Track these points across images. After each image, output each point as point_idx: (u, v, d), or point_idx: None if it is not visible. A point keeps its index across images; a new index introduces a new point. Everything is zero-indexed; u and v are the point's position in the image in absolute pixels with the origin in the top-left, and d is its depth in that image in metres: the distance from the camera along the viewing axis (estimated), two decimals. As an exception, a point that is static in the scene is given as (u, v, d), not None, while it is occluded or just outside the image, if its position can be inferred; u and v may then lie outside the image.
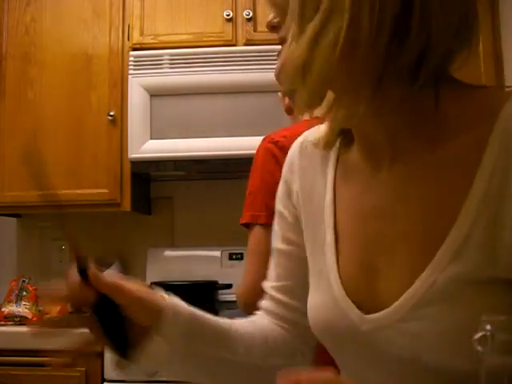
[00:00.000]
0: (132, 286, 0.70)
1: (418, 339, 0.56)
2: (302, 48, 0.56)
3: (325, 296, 0.67)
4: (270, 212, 1.24)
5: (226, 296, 2.32)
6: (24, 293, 2.02)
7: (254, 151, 2.13)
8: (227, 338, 0.78)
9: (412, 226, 0.60)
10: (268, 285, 0.82)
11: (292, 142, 1.26)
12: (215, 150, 2.11)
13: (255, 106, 2.13)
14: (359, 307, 0.62)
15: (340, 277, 0.65)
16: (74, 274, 0.68)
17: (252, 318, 0.84)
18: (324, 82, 0.57)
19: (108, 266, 2.41)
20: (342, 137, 0.69)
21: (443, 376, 0.56)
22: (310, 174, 0.73)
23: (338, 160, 0.70)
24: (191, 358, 0.76)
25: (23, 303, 1.99)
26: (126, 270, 2.47)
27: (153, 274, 2.39)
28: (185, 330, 0.73)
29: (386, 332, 0.59)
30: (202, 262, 2.41)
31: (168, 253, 2.45)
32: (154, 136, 2.14)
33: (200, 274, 2.34)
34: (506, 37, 2.12)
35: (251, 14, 2.22)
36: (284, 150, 1.27)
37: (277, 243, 0.80)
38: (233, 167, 2.18)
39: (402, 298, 0.58)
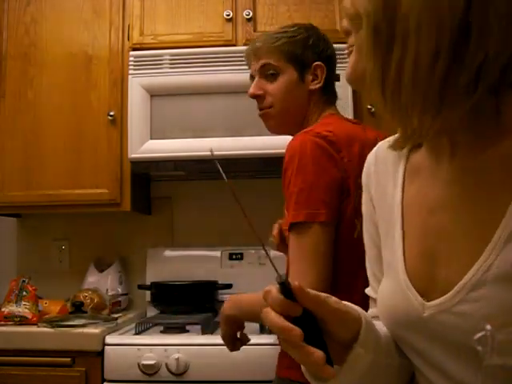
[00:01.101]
0: (331, 299, 0.64)
1: (470, 320, 0.61)
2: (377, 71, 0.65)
3: (392, 285, 0.73)
4: (329, 209, 1.22)
5: (226, 296, 2.32)
6: (24, 293, 2.02)
7: (254, 151, 2.14)
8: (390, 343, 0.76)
9: (469, 215, 0.65)
10: (368, 290, 0.86)
11: (341, 139, 1.24)
12: (215, 149, 2.10)
13: (255, 106, 2.13)
14: (422, 295, 0.67)
15: (406, 267, 0.70)
16: (274, 291, 0.61)
17: None
18: (395, 103, 0.64)
19: (108, 266, 2.41)
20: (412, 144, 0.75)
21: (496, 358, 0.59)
22: (383, 176, 0.80)
23: (407, 161, 0.77)
24: (384, 368, 0.73)
25: (23, 303, 1.99)
26: (125, 269, 2.47)
27: (153, 274, 2.39)
28: (377, 338, 0.71)
29: (444, 316, 0.64)
30: (201, 262, 2.41)
31: (168, 253, 2.45)
32: (154, 136, 2.14)
33: (200, 274, 2.34)
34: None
35: (251, 13, 2.22)
36: (334, 145, 1.24)
37: (368, 249, 0.86)
38: (233, 167, 2.18)
39: (460, 283, 0.62)
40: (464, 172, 0.66)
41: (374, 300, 0.83)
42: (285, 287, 0.60)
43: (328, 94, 1.45)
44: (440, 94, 0.60)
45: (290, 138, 1.32)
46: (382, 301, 0.76)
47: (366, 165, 0.86)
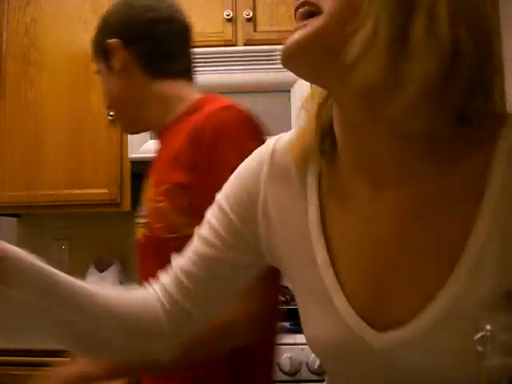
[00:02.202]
0: None
1: (444, 353, 0.56)
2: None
3: (330, 320, 0.64)
4: None
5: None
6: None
7: (254, 151, 2.14)
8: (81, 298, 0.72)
9: (426, 244, 0.59)
10: (179, 263, 0.75)
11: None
12: (215, 150, 2.11)
13: (255, 106, 2.13)
14: (371, 327, 0.61)
15: (348, 301, 0.63)
16: None
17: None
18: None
19: (108, 266, 2.41)
20: (323, 154, 0.66)
21: None
22: (283, 189, 0.69)
23: (320, 178, 0.67)
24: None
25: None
26: (125, 270, 2.47)
27: (153, 274, 2.39)
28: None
29: (406, 349, 0.58)
30: (202, 262, 2.40)
31: (168, 253, 2.45)
32: (154, 136, 2.14)
33: (200, 274, 2.34)
34: (506, 37, 2.12)
35: (251, 13, 2.22)
36: None
37: (205, 232, 0.74)
38: (233, 167, 2.18)
39: (424, 313, 0.57)
40: (416, 202, 0.60)
41: (177, 277, 0.74)
42: None
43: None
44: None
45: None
46: (323, 340, 0.66)
47: (254, 165, 0.72)
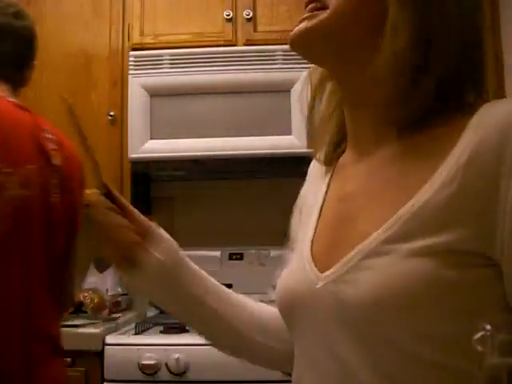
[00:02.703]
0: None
1: (361, 288, 0.59)
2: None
3: (293, 266, 0.73)
4: None
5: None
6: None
7: (254, 151, 2.14)
8: (230, 299, 0.88)
9: (380, 199, 0.65)
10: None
11: None
12: (215, 149, 2.11)
13: (255, 106, 2.13)
14: (320, 271, 0.66)
15: (312, 251, 0.70)
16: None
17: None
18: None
19: (108, 266, 2.41)
20: (340, 151, 0.77)
21: (377, 327, 0.58)
22: (315, 179, 0.82)
23: (336, 164, 0.78)
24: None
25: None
26: (126, 270, 2.47)
27: (153, 274, 2.39)
28: (173, 248, 0.85)
29: (336, 286, 0.62)
30: (201, 261, 2.38)
31: (168, 253, 2.44)
32: (153, 136, 2.14)
33: (200, 274, 2.34)
34: (506, 37, 2.12)
35: (251, 13, 2.22)
36: None
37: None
38: (233, 167, 2.18)
39: (352, 252, 0.62)
40: (387, 161, 0.66)
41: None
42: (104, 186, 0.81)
43: None
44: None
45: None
46: (281, 282, 0.75)
47: (308, 175, 0.90)
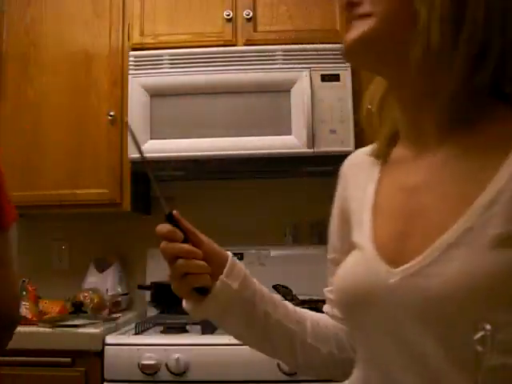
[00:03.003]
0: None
1: (442, 281, 0.60)
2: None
3: (355, 260, 0.73)
4: None
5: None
6: (24, 293, 2.02)
7: (254, 151, 2.14)
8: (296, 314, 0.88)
9: (451, 194, 0.66)
10: (326, 290, 0.91)
11: None
12: (215, 149, 2.11)
13: (255, 106, 2.13)
14: (389, 265, 0.67)
15: (375, 245, 0.71)
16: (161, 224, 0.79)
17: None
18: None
19: (108, 266, 2.41)
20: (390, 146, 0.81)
21: (463, 325, 0.59)
22: (358, 177, 0.84)
23: (384, 162, 0.81)
24: (259, 313, 0.84)
25: (23, 303, 1.99)
26: (125, 270, 2.47)
27: (153, 274, 2.39)
28: (246, 276, 0.85)
29: (413, 280, 0.63)
30: (201, 262, 2.40)
31: (168, 253, 2.44)
32: (153, 136, 2.14)
33: (200, 274, 2.34)
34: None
35: (251, 13, 2.22)
36: None
37: (329, 254, 0.89)
38: (233, 167, 2.18)
39: (432, 246, 0.62)
40: (451, 158, 0.69)
41: (330, 299, 0.89)
42: (168, 217, 0.82)
43: None
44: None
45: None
46: (340, 281, 0.75)
47: (341, 174, 0.90)
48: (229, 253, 0.84)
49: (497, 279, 0.57)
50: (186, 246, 0.79)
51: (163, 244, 0.81)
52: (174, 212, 0.81)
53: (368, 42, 0.69)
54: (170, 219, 0.81)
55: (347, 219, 0.82)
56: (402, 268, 0.64)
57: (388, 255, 0.68)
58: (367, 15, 0.68)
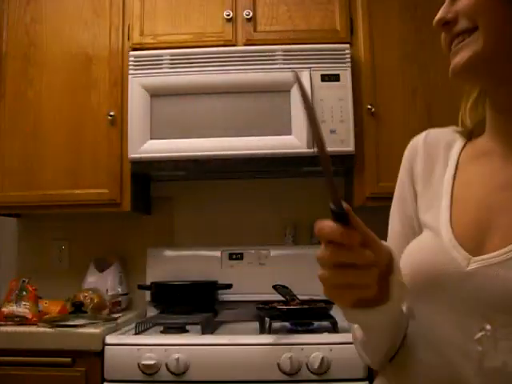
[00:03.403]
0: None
1: None
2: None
3: (432, 243, 0.76)
4: None
5: (226, 296, 2.33)
6: (24, 293, 2.02)
7: (254, 151, 2.14)
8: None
9: None
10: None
11: None
12: (215, 149, 2.11)
13: (255, 106, 2.13)
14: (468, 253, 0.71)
15: (453, 232, 0.74)
16: (328, 223, 0.59)
17: None
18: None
19: (108, 266, 2.41)
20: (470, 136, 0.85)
21: None
22: (432, 158, 0.87)
23: (463, 147, 0.84)
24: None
25: (23, 303, 1.99)
26: (125, 269, 2.47)
27: (153, 274, 2.39)
28: None
29: (493, 270, 0.66)
30: (201, 261, 2.41)
31: (168, 253, 2.45)
32: (153, 136, 2.14)
33: (200, 273, 2.34)
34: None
35: (251, 13, 2.22)
36: None
37: (395, 224, 0.90)
38: (233, 167, 2.18)
39: None
40: None
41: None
42: (340, 215, 0.58)
43: None
44: None
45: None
46: (413, 258, 0.77)
47: (411, 149, 0.92)
48: (387, 245, 0.70)
49: None
50: (367, 253, 0.60)
51: (332, 249, 0.60)
52: (347, 207, 0.59)
53: (479, 65, 0.72)
54: (342, 217, 0.59)
55: (415, 192, 0.86)
56: (482, 257, 0.69)
57: (466, 242, 0.72)
58: (470, 30, 0.71)
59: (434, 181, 0.84)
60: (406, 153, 0.93)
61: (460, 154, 0.84)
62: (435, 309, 0.72)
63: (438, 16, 0.75)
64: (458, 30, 0.72)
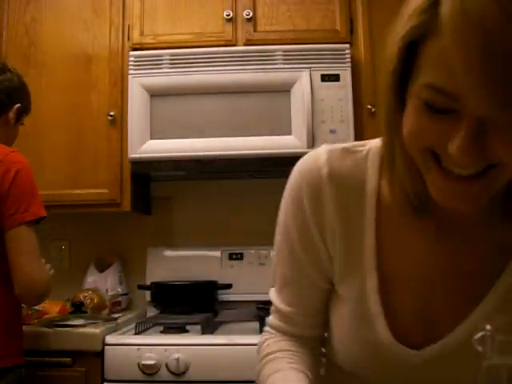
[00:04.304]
0: None
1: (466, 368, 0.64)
2: None
3: (368, 340, 0.70)
4: None
5: (226, 296, 2.33)
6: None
7: (254, 151, 2.14)
8: None
9: (462, 279, 0.68)
10: (282, 307, 0.84)
11: None
12: (215, 149, 2.11)
13: (255, 106, 2.13)
14: (409, 347, 0.69)
15: (387, 323, 0.69)
16: None
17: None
18: None
19: (108, 266, 2.41)
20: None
21: None
22: (345, 208, 0.71)
23: (378, 197, 0.71)
24: None
25: (23, 304, 1.99)
26: (125, 270, 2.47)
27: (153, 274, 2.39)
28: None
29: (442, 360, 0.66)
30: (201, 261, 2.41)
31: (168, 253, 2.45)
32: (153, 136, 2.14)
33: (200, 274, 2.34)
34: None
35: (251, 13, 2.22)
36: None
37: (289, 271, 0.83)
38: (233, 167, 2.18)
39: (457, 329, 0.67)
40: (471, 242, 0.69)
41: (284, 314, 0.83)
42: None
43: None
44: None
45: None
46: (351, 352, 0.73)
47: (310, 186, 0.74)
48: None
49: None
50: None
51: None
52: None
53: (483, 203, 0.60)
54: None
55: (326, 251, 0.74)
56: (426, 351, 0.68)
57: (406, 336, 0.69)
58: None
59: (353, 244, 0.71)
60: (304, 194, 0.74)
61: (377, 202, 0.70)
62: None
63: (465, 153, 0.53)
64: (473, 171, 0.56)
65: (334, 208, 0.71)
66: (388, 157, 0.66)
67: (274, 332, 0.84)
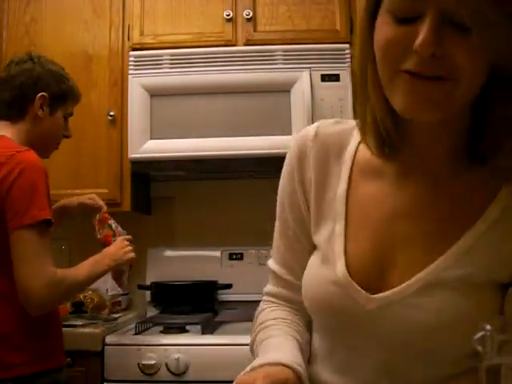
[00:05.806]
0: None
1: (423, 313, 0.64)
2: None
3: (327, 278, 0.73)
4: None
5: (226, 296, 2.33)
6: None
7: (254, 151, 2.14)
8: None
9: (432, 227, 0.69)
10: (274, 264, 0.89)
11: None
12: (215, 149, 2.11)
13: (255, 106, 2.13)
14: (365, 290, 0.69)
15: (347, 264, 0.71)
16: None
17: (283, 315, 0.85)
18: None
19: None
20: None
21: (437, 354, 0.64)
22: (324, 163, 0.79)
23: (354, 157, 0.77)
24: None
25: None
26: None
27: (153, 274, 2.39)
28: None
29: (394, 309, 0.66)
30: (202, 261, 2.41)
31: (168, 253, 2.45)
32: (153, 136, 2.14)
33: (200, 274, 2.34)
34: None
35: (251, 13, 2.22)
36: None
37: (283, 233, 0.89)
38: (233, 167, 2.18)
39: (414, 278, 0.66)
40: (435, 189, 0.70)
41: (278, 276, 0.86)
42: None
43: None
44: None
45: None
46: (315, 293, 0.75)
47: (298, 147, 0.82)
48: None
49: (469, 319, 0.61)
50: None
51: None
52: None
53: (442, 111, 0.64)
54: None
55: (307, 201, 0.80)
56: (381, 295, 0.68)
57: (364, 281, 0.69)
58: (443, 78, 0.61)
59: (327, 195, 0.77)
60: (293, 154, 0.82)
61: (353, 162, 0.77)
62: (336, 342, 0.74)
63: (427, 43, 0.59)
64: (435, 72, 0.60)
65: (314, 162, 0.79)
66: (361, 92, 0.81)
67: (269, 300, 0.87)
